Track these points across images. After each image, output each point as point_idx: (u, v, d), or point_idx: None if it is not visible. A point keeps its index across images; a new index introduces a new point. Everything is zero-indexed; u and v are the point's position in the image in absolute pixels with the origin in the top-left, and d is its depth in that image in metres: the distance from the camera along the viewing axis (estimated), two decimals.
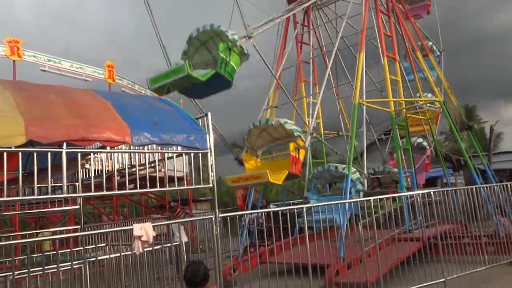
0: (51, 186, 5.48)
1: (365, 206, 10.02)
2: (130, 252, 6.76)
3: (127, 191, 7.63)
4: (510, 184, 11.85)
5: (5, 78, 7.35)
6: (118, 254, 6.85)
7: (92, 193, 6.70)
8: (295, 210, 11.83)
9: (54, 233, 11.42)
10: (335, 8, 18.79)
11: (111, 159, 13.64)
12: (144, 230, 6.26)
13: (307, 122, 14.88)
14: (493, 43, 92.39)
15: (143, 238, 6.24)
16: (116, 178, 13.04)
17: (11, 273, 5.77)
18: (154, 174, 7.57)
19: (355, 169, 13.79)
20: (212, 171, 7.02)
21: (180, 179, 18.82)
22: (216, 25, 12.30)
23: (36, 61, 17.26)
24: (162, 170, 13.66)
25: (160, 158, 10.36)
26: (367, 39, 15.46)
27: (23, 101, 5.50)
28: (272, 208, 11.85)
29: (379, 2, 16.18)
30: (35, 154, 5.41)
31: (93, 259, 6.90)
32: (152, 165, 12.10)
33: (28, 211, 13.97)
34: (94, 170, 15.62)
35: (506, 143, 36.21)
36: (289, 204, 16.83)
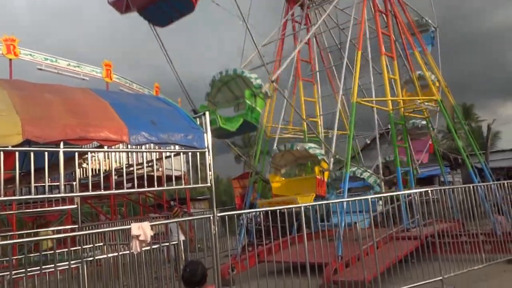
0: (48, 186, 5.46)
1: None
2: (128, 252, 6.74)
3: (125, 190, 7.62)
4: (507, 183, 11.88)
5: (1, 77, 7.33)
6: (116, 254, 6.84)
7: (90, 193, 6.68)
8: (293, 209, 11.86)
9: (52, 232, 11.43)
10: (335, 15, 18.79)
11: (108, 158, 13.60)
12: (142, 229, 6.25)
13: (331, 149, 14.80)
14: (491, 42, 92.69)
15: (141, 238, 6.23)
16: (114, 177, 13.01)
17: (8, 272, 5.76)
18: (152, 173, 7.54)
19: (371, 172, 14.27)
20: (210, 170, 7.01)
21: (178, 178, 18.81)
22: (239, 70, 12.50)
23: (32, 60, 17.19)
24: (160, 169, 13.68)
25: (158, 157, 10.34)
26: (364, 38, 15.47)
27: (20, 100, 5.48)
28: (270, 207, 11.85)
29: (377, 2, 16.20)
30: (32, 153, 5.39)
31: (91, 258, 6.90)
32: (150, 164, 12.08)
33: (25, 211, 13.94)
34: (92, 170, 15.64)
35: (504, 141, 36.29)
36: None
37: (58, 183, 5.60)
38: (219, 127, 11.46)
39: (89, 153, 6.86)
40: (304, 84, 18.61)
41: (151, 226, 6.46)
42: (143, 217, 18.62)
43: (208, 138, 6.91)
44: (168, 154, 8.15)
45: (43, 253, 6.21)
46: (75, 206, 9.63)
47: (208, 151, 6.90)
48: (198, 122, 7.05)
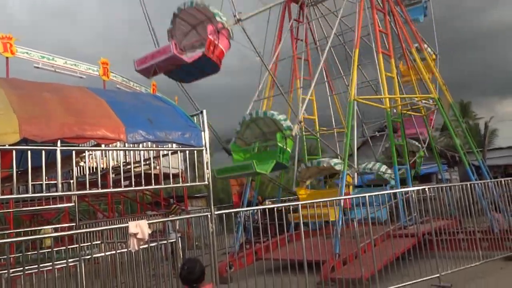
0: (46, 184, 5.46)
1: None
2: (125, 250, 6.75)
3: (122, 188, 7.61)
4: (505, 180, 11.92)
5: None
6: (114, 252, 6.84)
7: (87, 191, 6.68)
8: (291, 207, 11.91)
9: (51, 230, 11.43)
10: (334, 5, 18.79)
11: (106, 156, 13.61)
12: (139, 227, 6.26)
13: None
14: (489, 40, 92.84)
15: (139, 236, 6.24)
16: (111, 175, 13.02)
17: (6, 271, 5.76)
18: (150, 172, 7.54)
19: (386, 167, 14.86)
20: (207, 169, 7.02)
21: (176, 175, 18.80)
22: (269, 113, 12.85)
23: (29, 58, 17.12)
24: (157, 167, 13.67)
25: (155, 155, 10.35)
26: (362, 36, 15.49)
27: (17, 98, 5.47)
28: (267, 205, 11.91)
29: (375, 1, 16.20)
30: (29, 152, 5.39)
31: (89, 256, 6.90)
32: (147, 162, 12.08)
33: (23, 209, 13.91)
34: (89, 168, 15.65)
35: (501, 139, 36.33)
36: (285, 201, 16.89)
37: (55, 181, 5.61)
38: (255, 172, 11.71)
39: (86, 151, 6.86)
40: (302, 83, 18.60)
41: (149, 224, 6.47)
42: (140, 215, 18.62)
43: (205, 136, 6.91)
44: (165, 152, 8.16)
45: (40, 251, 6.20)
46: (73, 204, 9.64)
47: (205, 149, 6.91)
48: (195, 121, 7.06)
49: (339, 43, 18.85)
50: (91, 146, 8.14)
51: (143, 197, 23.52)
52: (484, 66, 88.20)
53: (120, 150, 7.28)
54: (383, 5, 16.68)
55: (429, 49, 19.89)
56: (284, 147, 12.24)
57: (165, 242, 7.49)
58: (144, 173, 6.82)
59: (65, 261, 6.30)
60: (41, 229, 11.94)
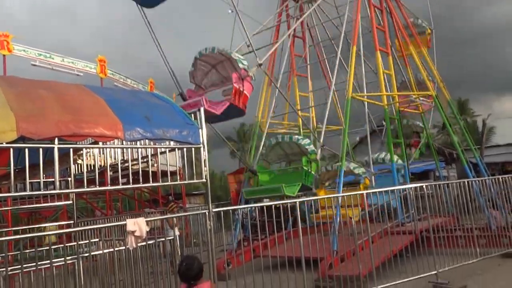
0: (44, 182, 5.45)
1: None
2: (123, 247, 6.76)
3: (120, 186, 7.62)
4: (502, 178, 11.95)
5: None
6: (112, 249, 6.85)
7: (85, 189, 6.70)
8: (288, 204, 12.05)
9: (47, 228, 11.41)
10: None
11: (103, 154, 13.60)
12: (137, 225, 6.26)
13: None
14: (487, 38, 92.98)
15: (137, 233, 6.24)
16: (109, 173, 13.02)
17: (4, 268, 5.76)
18: (147, 169, 7.54)
19: (397, 157, 15.58)
20: (205, 166, 7.03)
21: (174, 173, 18.82)
22: (295, 138, 13.65)
23: (26, 56, 17.12)
24: (155, 165, 13.67)
25: (153, 153, 10.35)
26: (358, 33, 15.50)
27: (14, 96, 5.47)
28: (265, 203, 11.91)
29: None
30: (26, 149, 5.39)
31: (87, 254, 6.91)
32: (145, 160, 12.08)
33: (21, 207, 13.90)
34: (87, 165, 15.66)
35: (498, 136, 36.47)
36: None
37: (53, 179, 5.60)
38: (284, 195, 12.35)
39: (84, 149, 6.86)
40: (299, 79, 18.64)
41: (147, 221, 6.48)
42: (138, 212, 18.64)
43: (203, 133, 6.92)
44: (163, 149, 8.16)
45: (39, 249, 6.21)
46: (70, 202, 9.63)
47: (203, 147, 6.92)
48: (193, 118, 7.06)
49: (339, 40, 18.84)
50: (89, 144, 8.14)
51: (141, 194, 23.54)
52: (482, 64, 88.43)
53: (117, 147, 7.29)
54: (381, 2, 16.69)
55: (424, 24, 19.98)
56: (309, 170, 13.14)
57: (163, 239, 7.50)
58: (142, 170, 6.81)
59: (63, 258, 6.31)
60: (45, 226, 11.95)
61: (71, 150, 6.04)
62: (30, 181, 5.41)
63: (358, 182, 14.76)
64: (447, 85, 17.88)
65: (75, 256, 6.61)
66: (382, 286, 8.57)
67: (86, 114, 5.80)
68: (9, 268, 6.01)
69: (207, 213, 6.99)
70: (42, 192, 6.17)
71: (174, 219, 8.56)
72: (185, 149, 7.10)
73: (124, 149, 11.86)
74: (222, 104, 11.31)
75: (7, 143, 4.97)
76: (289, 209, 15.40)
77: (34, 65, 17.31)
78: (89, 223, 13.57)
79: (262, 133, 16.33)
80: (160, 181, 7.64)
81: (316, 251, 8.65)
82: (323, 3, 18.42)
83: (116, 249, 6.87)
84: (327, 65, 19.42)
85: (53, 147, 5.44)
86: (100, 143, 6.28)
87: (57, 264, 6.62)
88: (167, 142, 6.83)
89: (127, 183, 9.44)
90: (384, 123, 16.43)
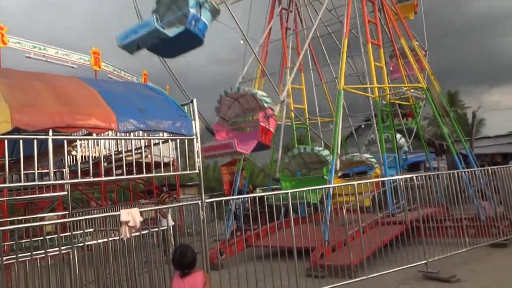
0: (39, 173, 5.53)
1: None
2: (118, 237, 6.84)
3: (114, 177, 7.69)
4: (491, 169, 12.09)
5: None
6: (106, 239, 6.92)
7: (79, 180, 6.74)
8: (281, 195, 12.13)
9: (43, 218, 11.47)
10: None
11: (97, 145, 13.62)
12: (131, 215, 6.35)
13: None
14: (477, 29, 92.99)
15: (130, 224, 6.33)
16: (103, 164, 13.07)
17: None
18: (141, 160, 7.61)
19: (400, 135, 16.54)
20: (198, 157, 7.10)
21: (168, 164, 18.87)
22: (316, 149, 13.83)
23: (21, 48, 17.08)
24: (149, 156, 13.74)
25: (146, 144, 10.40)
26: (350, 27, 15.59)
27: (8, 88, 5.51)
28: (257, 193, 12.06)
29: None
30: (21, 141, 5.45)
31: (81, 244, 6.98)
32: (139, 151, 12.14)
33: (16, 197, 13.91)
34: (81, 157, 15.67)
35: (488, 128, 36.71)
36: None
37: (48, 170, 5.67)
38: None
39: (78, 140, 6.92)
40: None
41: (140, 212, 6.56)
42: (133, 203, 18.69)
43: (196, 125, 6.98)
44: (156, 141, 8.21)
45: (34, 239, 6.29)
46: (65, 193, 9.68)
47: (196, 138, 6.98)
48: (186, 110, 7.13)
49: (327, 33, 18.94)
50: (83, 135, 8.19)
51: (135, 185, 23.60)
52: (473, 55, 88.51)
53: (111, 139, 7.36)
54: None
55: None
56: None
57: (157, 229, 7.57)
58: (135, 162, 6.88)
59: (58, 248, 6.39)
60: (42, 216, 12.02)
61: (65, 141, 6.11)
62: (25, 172, 5.47)
63: (366, 172, 15.11)
64: (437, 77, 18.01)
65: (70, 246, 6.68)
66: (372, 275, 8.65)
67: (80, 105, 5.84)
68: (5, 258, 6.08)
69: (200, 204, 7.07)
70: (37, 183, 6.25)
71: (168, 209, 8.64)
72: (178, 141, 7.17)
73: (118, 141, 11.94)
74: (251, 143, 11.92)
75: (1, 134, 5.02)
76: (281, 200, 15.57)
77: (29, 57, 17.29)
78: (84, 214, 13.62)
79: None
80: (154, 172, 7.70)
81: (308, 241, 8.78)
82: None
83: (111, 239, 6.94)
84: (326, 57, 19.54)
85: (48, 139, 5.50)
86: (94, 134, 6.35)
87: (52, 254, 6.69)
88: (160, 134, 6.90)
89: (122, 174, 9.49)
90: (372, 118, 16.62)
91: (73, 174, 9.44)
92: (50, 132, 5.46)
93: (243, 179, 17.27)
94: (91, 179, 7.93)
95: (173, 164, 19.12)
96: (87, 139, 7.54)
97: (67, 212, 10.18)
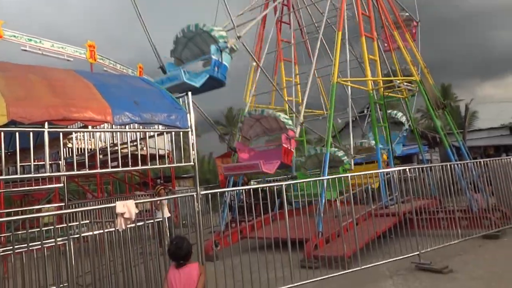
0: (35, 165, 5.57)
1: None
2: (113, 229, 6.90)
3: (110, 169, 7.73)
4: (484, 161, 12.20)
5: None
6: (102, 231, 6.98)
7: (75, 172, 6.78)
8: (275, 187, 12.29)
9: (39, 210, 11.51)
10: None
11: (93, 138, 13.66)
12: (126, 207, 6.41)
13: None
14: (469, 22, 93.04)
15: (126, 215, 6.39)
16: (99, 156, 13.12)
17: None
18: (136, 152, 7.66)
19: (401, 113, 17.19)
20: (193, 150, 7.14)
21: (163, 156, 18.94)
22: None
23: (16, 41, 17.03)
24: (144, 148, 13.80)
25: (141, 136, 10.45)
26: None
27: (4, 81, 5.54)
28: (252, 185, 12.16)
29: None
30: (17, 133, 5.49)
31: (77, 235, 7.04)
32: (134, 143, 12.18)
33: (13, 189, 13.95)
34: (77, 149, 15.71)
35: (481, 121, 36.84)
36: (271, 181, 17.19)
37: (44, 162, 5.72)
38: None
39: (73, 133, 6.95)
40: (286, 64, 18.70)
41: (136, 204, 6.62)
42: (129, 195, 18.76)
43: (191, 118, 7.03)
44: (151, 133, 8.24)
45: (30, 230, 6.34)
46: (62, 185, 9.72)
47: (191, 131, 7.02)
48: (181, 103, 7.17)
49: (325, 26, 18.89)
50: (78, 128, 8.22)
51: (131, 177, 23.66)
52: (466, 48, 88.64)
53: (107, 131, 7.40)
54: None
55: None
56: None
57: (152, 221, 7.64)
58: (131, 154, 6.93)
59: (54, 240, 6.45)
60: (40, 208, 12.06)
61: (61, 134, 6.15)
62: (21, 164, 5.51)
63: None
64: (430, 70, 18.06)
65: (66, 238, 6.74)
66: (366, 266, 8.72)
67: (76, 98, 5.87)
68: (1, 249, 6.16)
69: (195, 195, 7.12)
70: (33, 175, 6.30)
71: (163, 201, 8.70)
72: (173, 133, 7.22)
73: (113, 133, 11.98)
74: (275, 163, 12.37)
75: None
76: (275, 192, 15.70)
77: (24, 50, 17.25)
78: (80, 206, 13.68)
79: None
80: (149, 164, 7.75)
81: (302, 232, 8.87)
82: None
83: (106, 230, 7.01)
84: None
85: (44, 131, 5.54)
86: (90, 127, 6.39)
87: (48, 245, 6.76)
88: (155, 126, 6.93)
89: (117, 166, 9.55)
90: (365, 110, 16.72)
91: (69, 166, 9.46)
92: (46, 125, 5.49)
93: None
94: (87, 171, 7.98)
95: (168, 156, 19.17)
96: (83, 132, 7.58)
97: (63, 204, 10.22)
